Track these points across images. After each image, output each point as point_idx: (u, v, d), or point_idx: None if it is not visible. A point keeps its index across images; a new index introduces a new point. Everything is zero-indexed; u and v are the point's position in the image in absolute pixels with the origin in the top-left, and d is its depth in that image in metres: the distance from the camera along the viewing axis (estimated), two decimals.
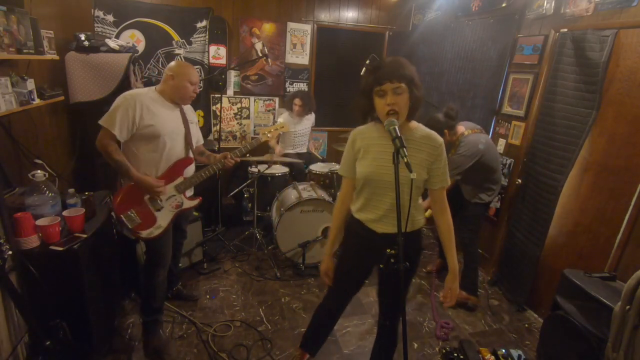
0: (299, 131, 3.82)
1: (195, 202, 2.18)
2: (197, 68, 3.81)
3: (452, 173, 2.48)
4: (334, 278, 1.78)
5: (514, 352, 2.20)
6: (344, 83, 4.52)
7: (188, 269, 3.00)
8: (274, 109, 4.31)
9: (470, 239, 2.76)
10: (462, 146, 2.58)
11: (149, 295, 2.16)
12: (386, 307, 1.76)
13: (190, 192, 2.19)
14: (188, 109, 2.17)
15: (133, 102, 1.86)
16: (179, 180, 2.06)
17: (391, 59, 1.47)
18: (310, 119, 3.93)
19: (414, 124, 1.57)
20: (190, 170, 2.12)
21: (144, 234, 1.99)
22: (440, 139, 1.57)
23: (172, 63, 2.02)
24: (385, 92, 1.41)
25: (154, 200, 2.00)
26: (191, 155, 2.12)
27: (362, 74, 3.41)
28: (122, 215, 1.94)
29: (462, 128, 2.65)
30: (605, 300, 1.78)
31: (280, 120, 3.85)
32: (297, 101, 3.69)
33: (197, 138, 2.24)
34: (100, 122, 1.86)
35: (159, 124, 1.92)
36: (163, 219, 2.04)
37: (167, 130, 1.95)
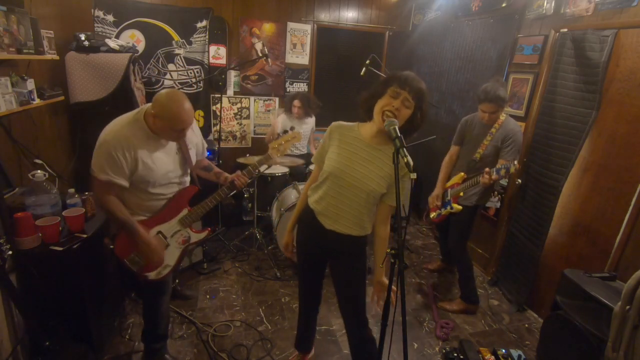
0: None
1: (204, 234, 1.95)
2: (197, 68, 3.83)
3: (517, 155, 2.38)
4: (299, 270, 1.92)
5: (514, 352, 2.20)
6: (344, 83, 4.52)
7: (188, 269, 3.00)
8: (274, 109, 4.31)
9: (460, 247, 2.69)
10: (511, 127, 2.42)
11: (154, 324, 1.99)
12: (347, 312, 1.80)
13: (197, 224, 1.99)
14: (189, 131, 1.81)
15: (120, 148, 1.56)
16: (184, 212, 1.85)
17: (416, 77, 1.47)
18: (310, 122, 3.92)
19: None
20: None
21: (152, 275, 1.81)
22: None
23: (162, 96, 1.59)
24: (399, 96, 1.43)
25: (158, 238, 1.81)
26: (196, 183, 1.91)
27: (362, 73, 3.41)
28: (125, 260, 1.77)
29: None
30: (605, 300, 1.78)
31: (278, 118, 3.84)
32: (296, 102, 3.66)
33: (200, 154, 2.02)
34: (97, 175, 1.58)
35: (150, 169, 1.66)
36: (170, 257, 1.84)
37: (160, 173, 1.71)
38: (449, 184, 2.69)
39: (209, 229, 2.02)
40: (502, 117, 2.47)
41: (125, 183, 1.63)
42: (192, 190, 1.89)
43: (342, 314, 1.83)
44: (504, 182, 3.06)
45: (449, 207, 2.64)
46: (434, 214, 2.78)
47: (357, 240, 1.66)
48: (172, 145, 1.77)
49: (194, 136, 1.92)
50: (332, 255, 1.74)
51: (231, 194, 1.94)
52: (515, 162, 2.24)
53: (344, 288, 1.77)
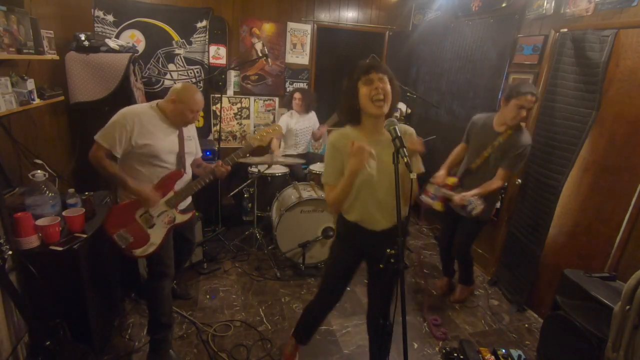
0: (300, 130, 3.81)
1: (188, 215, 2.12)
2: (197, 68, 3.83)
3: (512, 168, 2.34)
4: (325, 273, 1.93)
5: (514, 352, 2.20)
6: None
7: (188, 269, 2.99)
8: (274, 109, 4.31)
9: (469, 250, 2.72)
10: (525, 133, 2.36)
11: (156, 311, 2.06)
12: (382, 304, 1.77)
13: (183, 206, 2.14)
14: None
15: (131, 120, 1.83)
16: (170, 195, 2.00)
17: (369, 60, 1.56)
18: (312, 118, 3.92)
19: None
20: (181, 183, 2.06)
21: (138, 252, 1.95)
22: (411, 129, 1.65)
23: (178, 86, 1.96)
24: (372, 80, 1.48)
25: (145, 217, 1.95)
26: (181, 169, 2.05)
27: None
28: (114, 235, 1.91)
29: None
30: (605, 300, 1.78)
31: (280, 120, 3.83)
32: (296, 94, 3.69)
33: (196, 152, 2.20)
34: (96, 137, 1.83)
35: (155, 143, 1.89)
36: (156, 235, 1.98)
37: (163, 149, 1.93)
38: (447, 181, 2.64)
39: (194, 211, 2.17)
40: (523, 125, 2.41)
41: (111, 148, 1.83)
42: (178, 174, 2.03)
43: (379, 311, 1.76)
44: None
45: (433, 202, 2.69)
46: (426, 198, 2.78)
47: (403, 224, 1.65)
48: (175, 132, 2.00)
49: (191, 130, 2.15)
50: (371, 255, 1.73)
51: (212, 181, 2.12)
52: (479, 204, 2.29)
53: (387, 285, 1.65)
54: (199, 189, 2.08)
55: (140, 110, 1.91)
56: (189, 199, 2.20)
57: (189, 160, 2.11)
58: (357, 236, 1.69)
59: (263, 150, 3.61)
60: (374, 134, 1.57)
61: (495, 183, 2.39)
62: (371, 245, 1.69)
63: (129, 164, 1.92)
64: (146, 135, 1.86)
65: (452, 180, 2.63)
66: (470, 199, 2.33)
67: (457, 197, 2.40)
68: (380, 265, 1.59)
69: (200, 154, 2.28)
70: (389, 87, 1.50)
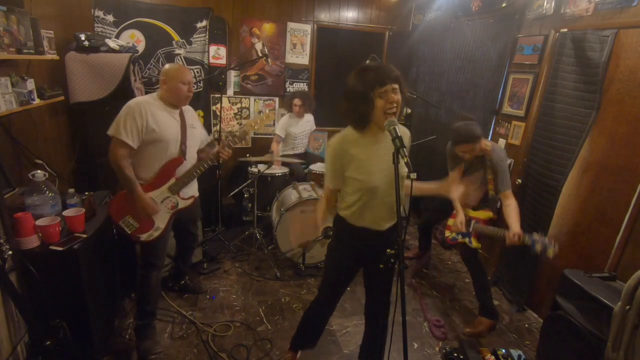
0: (298, 133, 3.83)
1: (190, 201, 2.20)
2: (197, 68, 3.83)
3: (508, 184, 2.37)
4: (328, 277, 1.91)
5: (514, 352, 2.20)
6: (344, 83, 4.50)
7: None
8: (274, 109, 4.31)
9: (476, 254, 2.54)
10: (497, 154, 2.40)
11: (141, 298, 2.18)
12: (379, 304, 1.82)
13: (188, 194, 2.21)
14: (189, 113, 2.20)
15: (139, 109, 1.92)
16: (172, 181, 2.09)
17: (380, 63, 1.55)
18: (310, 120, 3.93)
19: None
20: (181, 170, 2.13)
21: (144, 237, 2.05)
22: (407, 132, 1.74)
23: (166, 66, 2.09)
24: (387, 93, 1.45)
25: None
26: (182, 156, 2.12)
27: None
28: (120, 222, 2.02)
29: (484, 139, 2.45)
30: (605, 300, 1.78)
31: (279, 122, 3.84)
32: (296, 101, 3.70)
33: (201, 140, 2.31)
34: (112, 133, 1.91)
35: (161, 128, 1.99)
36: (160, 220, 2.09)
37: (169, 135, 2.02)
38: (474, 214, 2.54)
39: (194, 196, 2.25)
40: (488, 146, 2.41)
41: (132, 143, 1.92)
42: (178, 161, 2.10)
43: (374, 302, 1.89)
44: None
45: (467, 239, 2.53)
46: (451, 234, 2.67)
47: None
48: (178, 119, 2.11)
49: (193, 119, 2.23)
50: (375, 253, 1.68)
51: (213, 164, 2.21)
52: (556, 247, 2.10)
53: (386, 278, 1.74)
54: (200, 173, 2.18)
55: (147, 99, 2.02)
56: (194, 187, 2.28)
57: (192, 148, 2.18)
58: (362, 237, 1.69)
59: (263, 150, 3.63)
60: (376, 136, 1.58)
61: (514, 204, 2.35)
62: (374, 244, 1.69)
63: (137, 153, 1.99)
64: (153, 120, 1.96)
65: (486, 214, 2.50)
66: (534, 238, 2.14)
67: (513, 236, 2.20)
68: (381, 266, 1.62)
69: (207, 140, 2.38)
70: (399, 96, 1.48)
